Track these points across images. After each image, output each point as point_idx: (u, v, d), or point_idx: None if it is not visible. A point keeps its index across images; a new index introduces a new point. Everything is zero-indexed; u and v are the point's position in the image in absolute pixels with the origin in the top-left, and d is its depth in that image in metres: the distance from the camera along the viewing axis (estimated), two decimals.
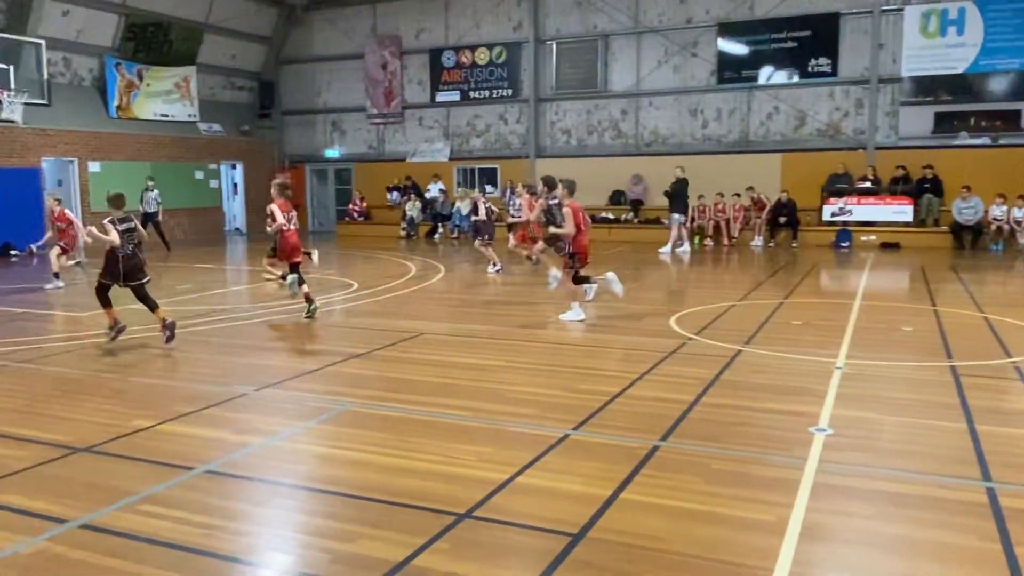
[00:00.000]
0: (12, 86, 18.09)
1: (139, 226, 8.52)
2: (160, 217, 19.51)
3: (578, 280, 9.70)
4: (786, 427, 5.41)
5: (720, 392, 6.30)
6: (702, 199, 20.13)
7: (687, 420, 5.57)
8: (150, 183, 19.68)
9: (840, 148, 20.09)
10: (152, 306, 8.48)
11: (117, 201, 8.45)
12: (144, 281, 8.52)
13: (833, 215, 19.40)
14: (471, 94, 24.07)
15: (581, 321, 9.33)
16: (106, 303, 8.44)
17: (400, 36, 24.80)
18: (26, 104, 18.64)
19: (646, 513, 4.05)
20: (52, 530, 3.91)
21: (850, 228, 19.10)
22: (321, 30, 26.04)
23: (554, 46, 22.85)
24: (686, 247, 18.20)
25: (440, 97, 24.49)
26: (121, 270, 8.36)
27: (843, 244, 18.92)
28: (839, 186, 19.47)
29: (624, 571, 3.47)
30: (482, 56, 23.76)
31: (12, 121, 18.52)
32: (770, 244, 19.56)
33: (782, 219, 19.53)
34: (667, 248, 17.91)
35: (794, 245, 19.23)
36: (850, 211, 19.21)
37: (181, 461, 4.87)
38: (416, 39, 24.66)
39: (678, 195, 18.12)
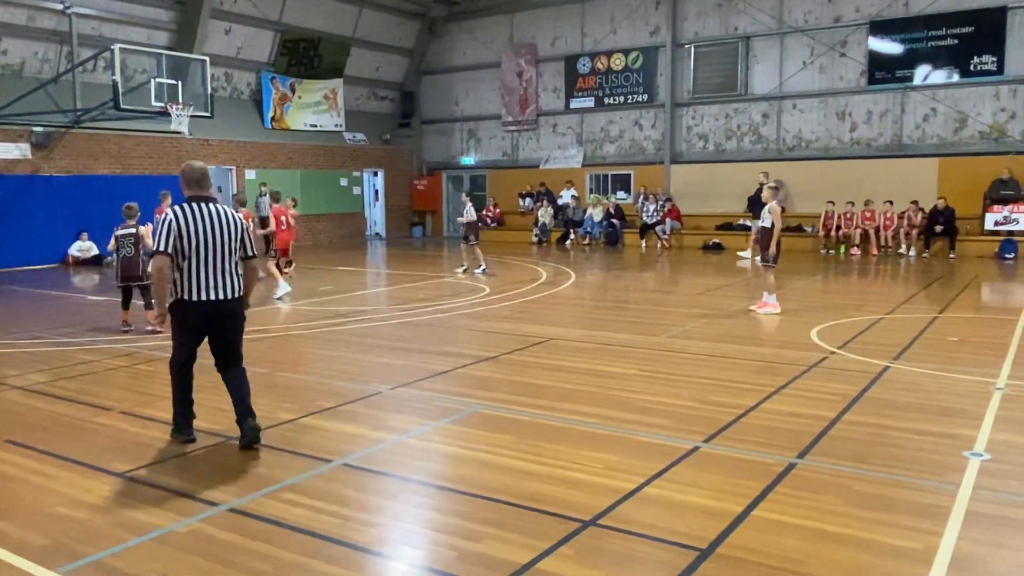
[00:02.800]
0: (180, 100, 19.63)
1: (139, 232, 9.63)
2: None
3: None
4: (937, 450, 5.04)
5: (865, 410, 5.94)
6: (851, 206, 19.13)
7: (827, 438, 5.29)
8: (263, 188, 20.83)
9: (1005, 152, 18.51)
10: (147, 304, 9.52)
11: (128, 211, 9.94)
12: (142, 283, 9.62)
13: (997, 224, 17.90)
14: (606, 100, 23.97)
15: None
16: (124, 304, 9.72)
17: (536, 44, 25.06)
18: (192, 117, 20.18)
19: (781, 532, 3.87)
20: (204, 512, 4.20)
21: (1015, 238, 17.57)
22: (460, 41, 26.72)
23: (692, 49, 22.38)
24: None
25: (574, 104, 24.55)
26: (119, 272, 9.74)
27: (1008, 255, 17.41)
28: (1004, 193, 17.95)
29: None
30: (618, 62, 23.62)
31: (180, 132, 20.09)
32: (924, 255, 18.30)
33: (938, 228, 18.22)
34: (747, 252, 17.24)
35: (952, 256, 17.90)
36: (1016, 220, 17.67)
37: (321, 453, 5.11)
38: (552, 46, 24.84)
39: (761, 202, 17.20)
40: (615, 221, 22.71)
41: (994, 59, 18.43)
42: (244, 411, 5.15)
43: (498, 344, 8.57)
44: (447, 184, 28.08)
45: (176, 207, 5.04)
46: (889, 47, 19.65)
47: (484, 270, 15.39)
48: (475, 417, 5.91)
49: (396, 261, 19.52)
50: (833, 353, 7.88)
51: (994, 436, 5.26)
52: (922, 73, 19.32)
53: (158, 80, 19.30)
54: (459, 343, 8.87)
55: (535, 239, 23.63)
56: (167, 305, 5.12)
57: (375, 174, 27.14)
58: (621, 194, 23.84)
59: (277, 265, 12.64)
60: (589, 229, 22.82)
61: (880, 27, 19.66)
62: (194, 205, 5.05)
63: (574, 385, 6.82)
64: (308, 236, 21.93)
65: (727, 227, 21.22)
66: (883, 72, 19.76)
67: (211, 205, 5.09)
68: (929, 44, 19.12)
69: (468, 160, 27.26)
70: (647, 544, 3.78)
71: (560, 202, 23.92)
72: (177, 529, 4.00)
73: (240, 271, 5.21)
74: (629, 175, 23.82)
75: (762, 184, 17.20)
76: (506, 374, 7.34)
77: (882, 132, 20.06)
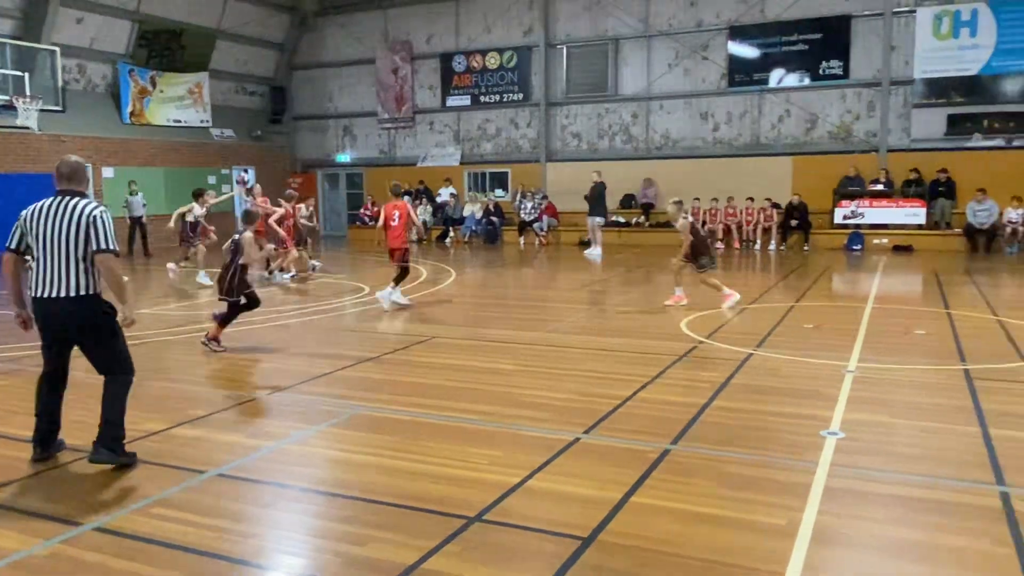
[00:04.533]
0: (27, 93, 18.27)
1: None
2: (145, 219, 20.09)
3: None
4: (798, 431, 5.39)
5: (732, 395, 6.28)
6: (715, 203, 20.13)
7: (699, 423, 5.56)
8: (133, 187, 20.11)
9: (852, 151, 20.01)
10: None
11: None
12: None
13: (845, 218, 19.32)
14: (482, 99, 24.13)
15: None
16: None
17: (411, 41, 24.90)
18: (41, 111, 18.82)
19: (658, 516, 4.04)
20: (67, 532, 3.94)
21: (862, 231, 19.02)
22: (333, 36, 26.18)
23: (564, 50, 22.88)
24: (599, 251, 17.45)
25: (451, 102, 24.56)
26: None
27: (855, 247, 18.83)
28: (851, 189, 19.39)
29: (635, 574, 3.46)
30: (493, 61, 23.81)
31: (27, 128, 18.69)
32: (782, 247, 19.49)
33: (794, 222, 19.45)
34: (598, 251, 17.38)
35: (806, 248, 19.15)
36: (862, 214, 19.13)
37: (193, 464, 4.89)
38: (427, 44, 24.76)
39: (597, 199, 17.95)
40: (494, 219, 22.91)
41: (840, 64, 19.86)
42: (99, 433, 4.80)
43: (379, 344, 8.48)
44: (323, 182, 27.46)
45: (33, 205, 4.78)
46: (747, 51, 20.80)
47: (315, 268, 15.28)
48: (357, 419, 5.82)
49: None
50: (701, 343, 8.27)
51: (847, 416, 5.68)
52: (776, 76, 20.57)
53: (1, 71, 17.91)
54: (339, 344, 8.71)
55: (414, 237, 23.47)
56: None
57: (245, 171, 26.15)
58: (499, 192, 24.07)
59: (402, 269, 10.98)
60: (470, 227, 22.92)
61: (738, 32, 20.77)
62: (48, 200, 4.76)
63: (457, 383, 6.85)
64: (150, 236, 20.85)
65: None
66: (742, 75, 20.91)
67: (66, 199, 4.72)
68: (782, 49, 20.37)
69: (344, 157, 26.75)
70: (531, 536, 3.85)
71: (439, 200, 23.90)
72: (37, 552, 3.74)
73: (86, 269, 4.70)
74: (507, 173, 24.08)
75: (595, 182, 17.71)
76: (388, 374, 7.27)
77: (741, 132, 21.20)
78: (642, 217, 21.76)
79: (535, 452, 4.98)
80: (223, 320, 8.36)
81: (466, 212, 23.34)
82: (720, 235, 19.99)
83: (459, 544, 3.76)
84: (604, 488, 4.39)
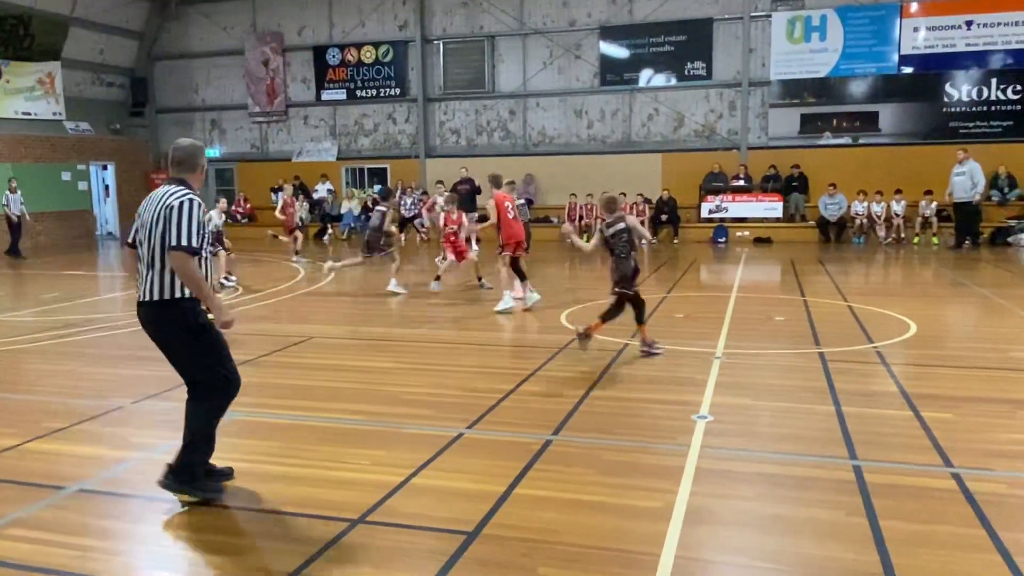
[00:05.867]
0: None
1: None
2: (25, 220, 18.79)
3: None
4: (671, 416, 5.63)
5: (609, 384, 6.48)
6: (590, 198, 20.63)
7: (578, 413, 5.70)
8: (13, 184, 18.66)
9: (715, 148, 21.01)
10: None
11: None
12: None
13: (710, 212, 20.27)
14: (358, 93, 23.72)
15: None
16: None
17: (282, 33, 24.14)
18: None
19: (540, 507, 4.13)
20: None
21: (726, 225, 20.02)
22: (197, 25, 25.01)
23: (441, 46, 22.82)
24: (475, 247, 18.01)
25: (326, 95, 24.01)
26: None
27: (720, 240, 19.80)
28: (715, 184, 20.37)
29: (519, 565, 3.52)
30: (368, 54, 23.45)
31: None
32: (653, 241, 20.22)
33: (664, 217, 20.23)
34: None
35: (675, 242, 19.96)
36: (725, 208, 20.13)
37: (52, 480, 4.59)
38: (299, 36, 24.07)
39: (467, 196, 18.35)
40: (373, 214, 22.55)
41: (704, 65, 20.81)
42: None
43: (255, 346, 8.20)
44: None
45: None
46: (617, 51, 21.43)
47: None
48: (233, 425, 5.62)
49: (132, 262, 17.85)
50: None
51: (715, 399, 5.98)
52: (646, 76, 21.32)
53: None
54: None
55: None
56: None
57: (104, 167, 24.63)
58: (378, 188, 23.70)
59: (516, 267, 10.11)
60: (349, 223, 22.49)
61: (609, 32, 21.37)
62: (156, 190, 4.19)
63: (338, 383, 6.73)
64: (25, 237, 19.40)
65: (483, 219, 21.92)
66: (613, 74, 21.53)
67: (164, 187, 4.16)
68: (651, 50, 21.13)
69: (212, 152, 25.61)
70: (416, 534, 3.84)
71: (316, 196, 23.32)
72: None
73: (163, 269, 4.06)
74: (385, 169, 23.79)
75: (463, 178, 17.77)
76: (265, 377, 7.05)
77: (614, 130, 21.84)
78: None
79: (418, 450, 4.97)
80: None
81: (344, 208, 22.89)
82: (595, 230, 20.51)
83: (341, 548, 3.71)
84: (488, 482, 4.44)
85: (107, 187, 24.99)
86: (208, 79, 25.26)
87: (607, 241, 7.51)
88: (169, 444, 5.22)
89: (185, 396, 4.35)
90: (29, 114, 21.79)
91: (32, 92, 21.83)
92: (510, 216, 9.94)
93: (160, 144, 26.09)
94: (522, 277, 10.07)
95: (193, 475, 4.21)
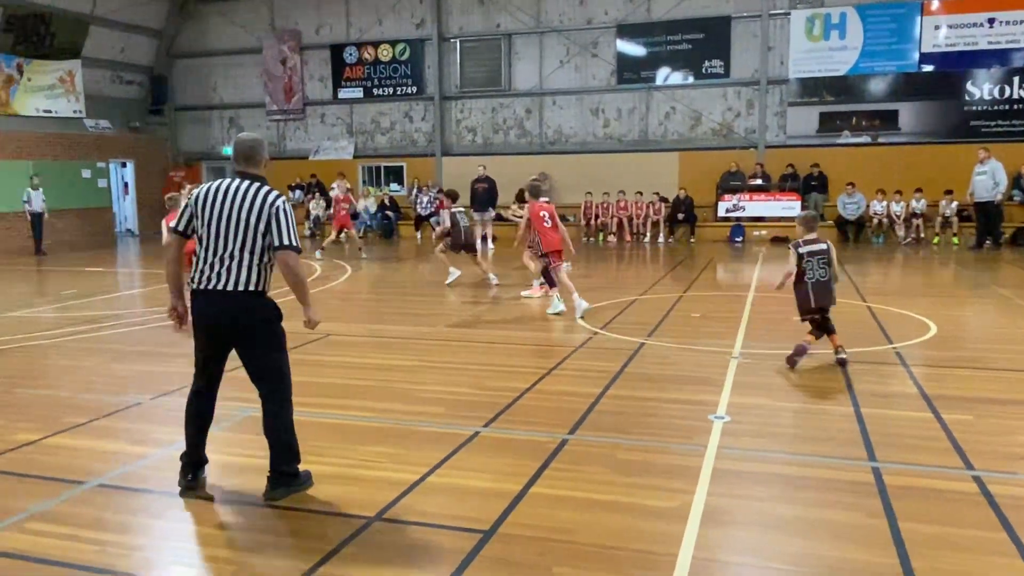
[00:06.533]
0: None
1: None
2: (45, 217, 19.07)
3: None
4: (687, 416, 5.60)
5: (625, 384, 6.46)
6: (606, 196, 20.59)
7: (594, 412, 5.69)
8: (35, 181, 18.89)
9: (733, 147, 20.89)
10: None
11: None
12: None
13: (728, 211, 20.16)
14: (375, 91, 23.78)
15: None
16: None
17: (300, 31, 24.24)
18: None
19: (556, 506, 4.12)
20: None
21: (743, 224, 19.90)
22: (216, 23, 25.16)
23: (458, 44, 22.83)
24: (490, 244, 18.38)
25: (343, 94, 24.09)
26: None
27: (737, 239, 19.69)
28: (732, 183, 20.25)
29: (536, 564, 3.52)
30: (385, 53, 23.50)
31: None
32: (670, 240, 20.15)
33: (680, 216, 20.15)
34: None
35: (692, 241, 19.87)
36: (743, 207, 20.01)
37: (71, 475, 4.63)
38: (316, 34, 24.17)
39: (486, 195, 18.36)
40: (389, 213, 22.65)
41: (721, 63, 20.69)
42: (271, 463, 4.28)
43: None
44: (207, 176, 26.36)
45: (205, 184, 4.25)
46: (634, 49, 21.35)
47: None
48: (249, 421, 5.64)
49: (152, 260, 18.01)
50: (596, 333, 8.46)
51: (733, 400, 5.94)
52: (663, 75, 21.22)
53: None
54: None
55: (307, 233, 22.91)
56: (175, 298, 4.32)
57: (123, 165, 24.84)
58: (394, 186, 23.81)
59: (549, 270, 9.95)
60: (365, 221, 22.57)
61: (626, 31, 21.29)
62: (225, 181, 4.23)
63: (354, 380, 6.75)
64: (47, 234, 19.61)
65: (498, 219, 21.95)
66: (630, 73, 21.45)
67: (246, 183, 4.17)
68: (668, 48, 21.03)
69: (230, 150, 25.72)
70: (433, 532, 3.85)
71: (332, 194, 23.39)
72: None
73: (260, 263, 4.18)
74: (402, 167, 23.84)
75: (481, 176, 17.79)
76: None
77: (631, 128, 21.76)
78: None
79: (434, 448, 4.97)
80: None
81: (360, 207, 22.96)
82: (613, 228, 20.48)
83: (357, 545, 3.72)
84: (504, 480, 4.44)
85: (126, 184, 25.20)
86: (226, 77, 25.42)
87: (800, 260, 6.95)
88: None
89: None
90: (50, 112, 22.01)
91: (53, 90, 22.05)
92: (547, 226, 9.75)
93: (179, 142, 26.30)
94: (551, 284, 9.97)
95: (295, 471, 4.31)
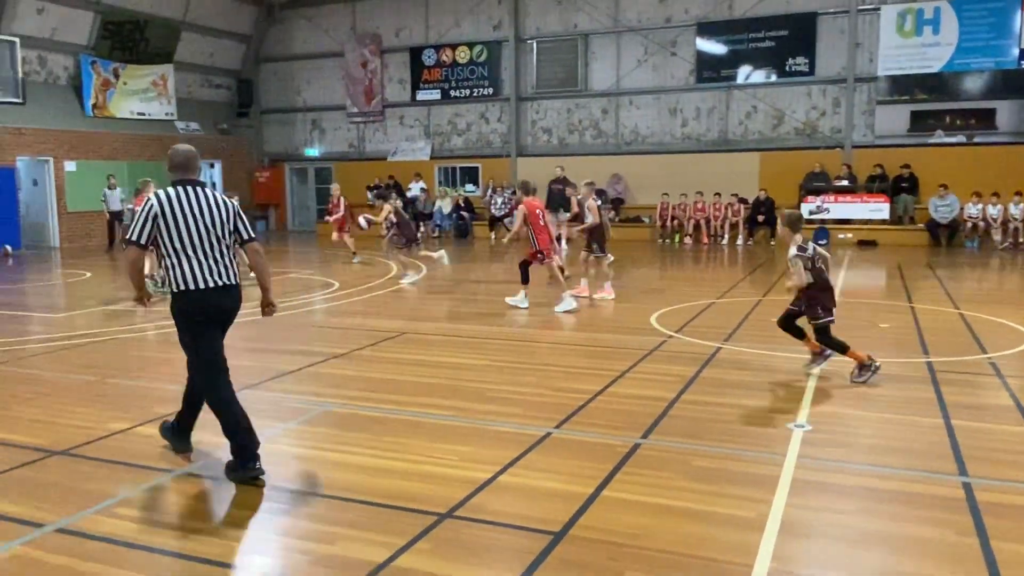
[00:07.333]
0: None
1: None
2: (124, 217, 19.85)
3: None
4: (765, 423, 5.45)
5: (700, 389, 6.33)
6: (683, 197, 20.28)
7: (668, 417, 5.59)
8: (112, 181, 19.76)
9: (817, 147, 20.27)
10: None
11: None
12: None
13: (811, 213, 19.55)
14: (452, 93, 24.03)
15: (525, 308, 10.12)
16: None
17: (380, 34, 24.71)
18: (0, 103, 18.38)
19: (628, 510, 4.06)
20: (29, 534, 3.86)
21: (827, 226, 19.28)
22: (300, 28, 25.89)
23: (534, 45, 22.86)
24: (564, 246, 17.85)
25: (421, 96, 24.44)
26: None
27: (821, 242, 19.07)
28: (816, 184, 19.65)
29: (606, 568, 3.47)
30: (463, 54, 23.72)
31: None
32: (749, 242, 19.69)
33: (760, 217, 19.67)
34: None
35: (772, 243, 19.36)
36: (827, 209, 19.39)
37: (158, 464, 4.82)
38: (396, 37, 24.59)
39: (558, 197, 17.90)
40: (464, 214, 22.86)
41: (806, 61, 20.10)
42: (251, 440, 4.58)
43: (349, 340, 8.42)
44: (291, 176, 27.18)
45: (159, 192, 4.61)
46: (714, 48, 20.96)
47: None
48: (326, 416, 5.78)
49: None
50: (671, 337, 8.32)
51: (814, 408, 5.75)
52: (744, 73, 20.76)
53: None
54: (308, 341, 8.63)
55: (384, 232, 23.30)
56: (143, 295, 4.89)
57: (211, 166, 25.80)
58: (470, 187, 24.02)
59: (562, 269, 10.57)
60: (439, 222, 22.83)
61: (706, 28, 20.92)
62: (178, 188, 4.59)
63: (427, 378, 6.82)
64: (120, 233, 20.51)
65: (574, 219, 21.87)
66: (710, 71, 21.06)
67: (201, 189, 4.64)
68: (750, 46, 20.56)
69: (312, 152, 26.49)
70: (503, 532, 3.85)
71: (409, 195, 23.75)
72: None
73: (234, 258, 4.72)
74: (477, 168, 24.03)
75: (557, 177, 17.57)
76: (358, 370, 7.22)
77: (710, 128, 21.36)
78: (612, 212, 21.83)
79: (506, 447, 4.97)
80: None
81: (436, 207, 23.25)
82: (689, 230, 20.15)
83: (430, 541, 3.74)
84: (575, 483, 4.41)
85: (213, 184, 26.14)
86: (309, 80, 26.11)
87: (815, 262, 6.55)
88: (269, 432, 5.41)
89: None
90: (143, 114, 23.05)
91: (146, 93, 23.08)
92: (541, 223, 10.31)
93: (263, 144, 27.15)
94: (526, 281, 10.37)
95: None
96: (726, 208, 20.03)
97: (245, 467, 4.47)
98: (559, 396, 6.16)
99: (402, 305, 11.08)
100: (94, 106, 21.71)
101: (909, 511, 4.03)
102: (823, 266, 6.63)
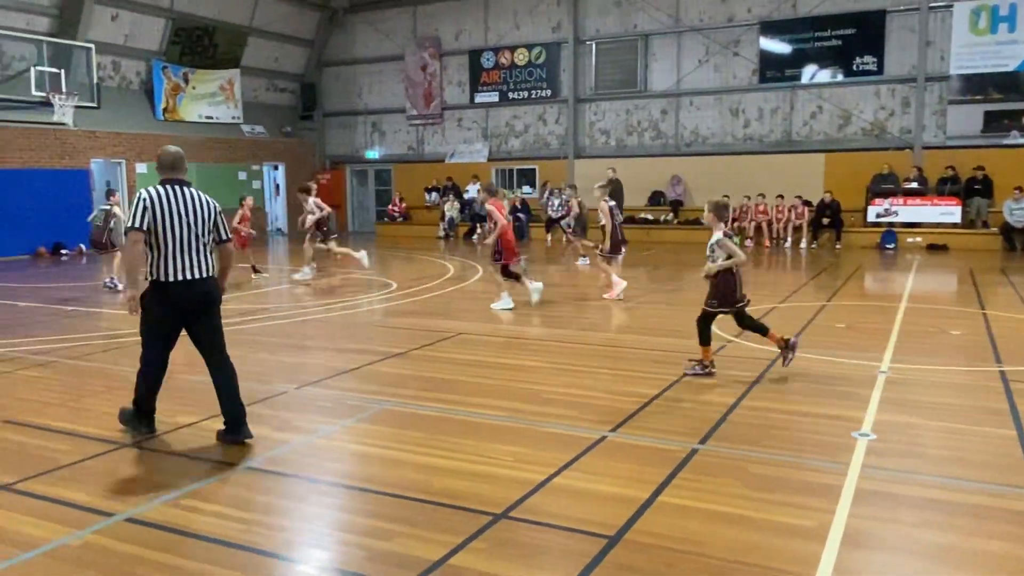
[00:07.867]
0: (63, 90, 18.57)
1: None
2: None
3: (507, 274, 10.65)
4: (828, 431, 5.31)
5: (761, 395, 6.21)
6: (747, 200, 19.93)
7: (727, 423, 5.50)
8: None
9: (886, 148, 19.70)
10: None
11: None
12: None
13: (878, 216, 19.02)
14: (510, 95, 24.11)
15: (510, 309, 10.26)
16: None
17: (440, 37, 24.94)
18: (76, 107, 19.14)
19: (684, 516, 4.01)
20: (99, 523, 4.00)
21: (895, 229, 18.71)
22: (362, 32, 26.32)
23: (593, 46, 22.77)
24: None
25: (479, 98, 24.58)
26: None
27: (888, 246, 18.53)
28: (884, 186, 19.09)
29: (662, 574, 3.43)
30: (521, 57, 23.78)
31: (63, 124, 19.02)
32: (813, 245, 19.24)
33: (825, 220, 19.20)
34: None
35: (837, 247, 18.89)
36: (896, 212, 18.82)
37: (223, 457, 4.95)
38: (456, 40, 24.79)
39: (613, 196, 17.57)
40: (521, 215, 22.88)
41: (874, 60, 19.55)
42: (237, 416, 5.20)
43: (406, 340, 8.51)
44: (351, 178, 27.65)
45: (150, 188, 5.01)
46: (778, 47, 20.55)
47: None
48: (384, 414, 5.85)
49: (299, 257, 19.03)
50: (730, 341, 8.18)
51: (879, 417, 5.58)
52: (809, 72, 20.30)
53: (39, 68, 18.20)
54: (366, 340, 8.75)
55: (442, 234, 23.55)
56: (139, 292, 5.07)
57: (275, 168, 26.43)
58: (527, 188, 24.05)
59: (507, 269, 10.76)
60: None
61: (770, 28, 20.53)
62: (167, 187, 5.05)
63: (482, 379, 6.85)
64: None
65: (630, 220, 21.71)
66: (773, 71, 20.66)
67: (185, 188, 5.08)
68: (815, 45, 20.10)
69: (373, 154, 26.90)
70: (557, 534, 3.83)
71: (466, 196, 23.93)
72: (70, 542, 3.80)
73: (212, 255, 5.19)
74: (534, 169, 24.05)
75: (610, 179, 17.35)
76: (414, 370, 7.29)
77: (773, 129, 20.95)
78: (670, 214, 21.62)
79: (561, 449, 4.96)
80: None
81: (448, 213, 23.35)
82: (751, 232, 19.80)
83: (485, 541, 3.76)
84: (630, 487, 4.37)
85: (277, 186, 26.79)
86: (370, 84, 26.53)
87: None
88: (328, 429, 5.51)
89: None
90: (211, 118, 23.74)
91: (214, 97, 23.76)
92: (504, 223, 10.62)
93: (326, 146, 27.67)
94: (514, 278, 10.75)
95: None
96: (789, 210, 19.61)
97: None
98: (615, 399, 6.11)
99: (458, 306, 11.15)
100: (165, 110, 22.46)
101: (980, 525, 3.88)
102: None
